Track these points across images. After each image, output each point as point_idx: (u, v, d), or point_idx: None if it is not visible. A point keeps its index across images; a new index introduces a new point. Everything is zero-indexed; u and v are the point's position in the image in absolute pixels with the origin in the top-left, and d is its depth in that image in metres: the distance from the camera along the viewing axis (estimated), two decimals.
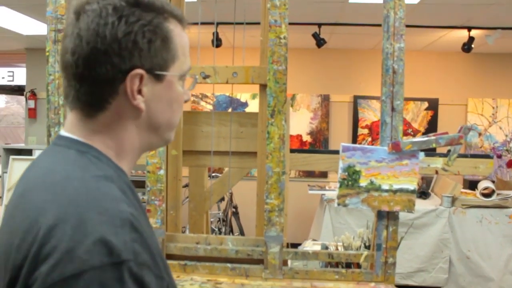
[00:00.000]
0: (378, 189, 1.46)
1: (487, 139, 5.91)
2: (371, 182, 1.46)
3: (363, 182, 1.46)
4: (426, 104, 5.91)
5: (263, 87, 1.54)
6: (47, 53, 1.58)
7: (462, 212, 4.24)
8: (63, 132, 0.80)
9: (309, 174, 5.88)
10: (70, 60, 0.73)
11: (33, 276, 0.62)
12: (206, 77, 1.56)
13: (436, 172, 1.67)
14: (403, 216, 3.99)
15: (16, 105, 14.52)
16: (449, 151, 1.62)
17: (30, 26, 4.97)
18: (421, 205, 4.37)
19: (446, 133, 1.50)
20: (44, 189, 0.71)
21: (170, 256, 1.59)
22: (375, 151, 1.47)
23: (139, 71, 0.74)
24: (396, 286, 3.70)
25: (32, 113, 6.36)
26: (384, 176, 1.46)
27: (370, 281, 1.53)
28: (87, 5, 0.73)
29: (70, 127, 0.79)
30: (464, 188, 5.02)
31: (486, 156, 1.68)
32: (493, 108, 5.93)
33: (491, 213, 4.22)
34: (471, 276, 4.21)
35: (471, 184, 4.94)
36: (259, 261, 1.56)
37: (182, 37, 0.81)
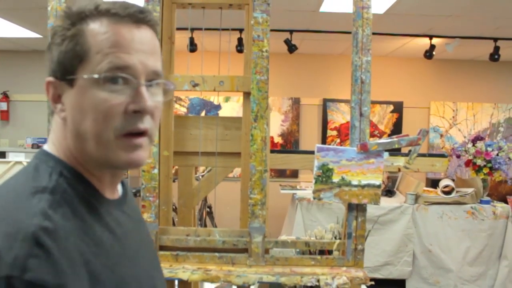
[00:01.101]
0: (349, 184, 1.67)
1: (448, 140, 6.25)
2: (342, 178, 1.67)
3: (335, 179, 1.67)
4: (391, 107, 6.21)
5: (247, 94, 1.73)
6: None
7: (425, 208, 4.49)
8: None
9: (281, 174, 6.09)
10: None
11: None
12: (195, 85, 1.73)
13: (399, 170, 1.88)
14: (370, 213, 4.24)
15: None
16: (410, 151, 1.84)
17: (3, 28, 4.99)
18: (386, 202, 4.61)
19: (407, 135, 1.72)
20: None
21: (163, 248, 1.75)
22: (346, 151, 1.68)
23: (49, 78, 0.76)
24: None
25: (4, 116, 6.33)
26: (353, 173, 1.67)
27: (342, 265, 1.73)
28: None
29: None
30: (426, 186, 5.32)
31: (442, 156, 1.91)
32: (454, 111, 6.28)
33: (450, 209, 4.49)
34: (433, 268, 4.46)
35: (433, 183, 5.25)
36: (244, 250, 1.73)
37: (105, 34, 0.74)
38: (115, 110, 0.73)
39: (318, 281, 1.62)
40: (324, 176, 1.66)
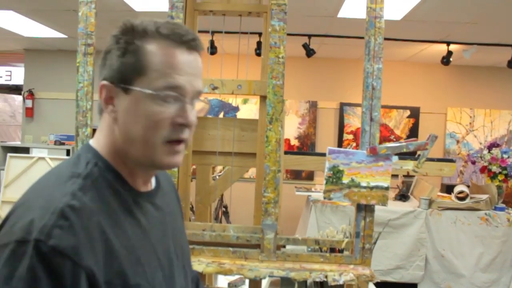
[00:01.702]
0: (358, 185, 1.75)
1: (465, 146, 6.26)
2: (352, 180, 1.75)
3: (345, 180, 1.75)
4: (408, 112, 6.24)
5: (263, 98, 1.82)
6: (77, 64, 1.83)
7: (438, 213, 4.53)
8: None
9: (296, 176, 6.17)
10: None
11: None
12: (214, 88, 1.83)
13: (408, 173, 1.96)
14: (384, 217, 4.31)
15: (2, 103, 14.54)
16: (419, 155, 1.91)
17: (31, 28, 5.16)
18: (400, 206, 4.66)
19: (416, 139, 1.79)
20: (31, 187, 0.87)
21: None
22: (356, 154, 1.76)
23: (104, 82, 0.88)
24: (376, 282, 3.99)
25: (29, 112, 6.53)
26: (363, 175, 1.75)
27: (350, 263, 1.81)
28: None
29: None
30: (442, 192, 5.35)
31: (450, 160, 1.98)
32: (471, 117, 6.29)
33: (464, 215, 4.51)
34: (445, 273, 4.49)
35: (448, 188, 5.27)
36: (257, 246, 1.83)
37: (164, 56, 0.86)
38: (164, 121, 0.86)
39: (326, 277, 1.70)
40: (335, 177, 1.74)
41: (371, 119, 1.76)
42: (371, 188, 1.75)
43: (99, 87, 0.88)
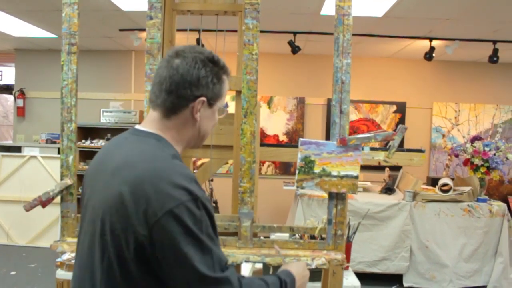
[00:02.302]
0: (329, 175, 1.85)
1: (450, 140, 6.38)
2: (323, 169, 1.84)
3: (317, 169, 1.84)
4: (394, 107, 6.35)
5: (238, 93, 1.91)
6: (62, 63, 1.92)
7: (422, 206, 4.63)
8: (140, 127, 1.29)
9: (285, 171, 6.27)
10: (166, 81, 1.23)
11: (149, 211, 1.08)
12: None
13: (379, 163, 2.06)
14: (365, 208, 4.42)
15: None
16: (389, 146, 2.00)
17: (21, 29, 5.23)
18: (386, 199, 4.77)
19: (384, 130, 1.89)
20: (142, 163, 1.15)
21: None
22: (327, 145, 1.85)
23: (203, 98, 1.25)
24: (362, 273, 4.09)
25: (20, 112, 6.59)
26: (333, 165, 1.85)
27: (323, 249, 1.91)
28: (184, 53, 1.25)
29: (147, 123, 1.28)
30: (427, 185, 5.46)
31: (419, 151, 2.08)
32: (456, 111, 6.41)
33: (447, 207, 4.62)
34: (429, 264, 4.60)
35: (433, 181, 5.39)
36: (234, 234, 1.92)
37: (227, 85, 1.33)
38: None
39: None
40: (307, 167, 1.84)
41: (341, 112, 1.86)
42: (342, 177, 1.85)
43: (200, 101, 1.24)
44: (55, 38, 5.61)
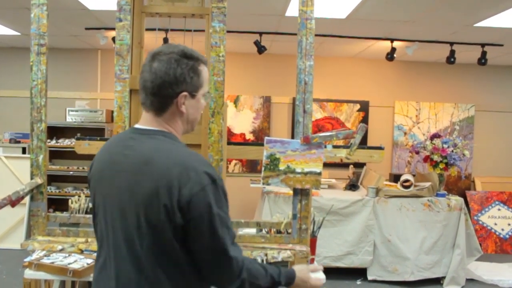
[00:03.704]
0: (293, 171, 1.94)
1: (411, 138, 6.60)
2: (288, 167, 1.93)
3: (281, 167, 1.93)
4: (358, 106, 6.53)
5: None
6: (31, 63, 1.94)
7: (385, 201, 4.79)
8: (142, 126, 1.41)
9: (252, 169, 6.36)
10: (149, 86, 1.35)
11: (180, 196, 1.24)
12: None
13: (341, 160, 2.16)
14: (328, 205, 4.54)
15: None
16: (350, 144, 2.11)
17: None
18: (350, 195, 4.91)
19: (345, 129, 2.00)
20: (164, 157, 1.31)
21: None
22: (291, 143, 1.95)
23: (185, 93, 1.37)
24: (327, 268, 4.21)
25: None
26: (297, 162, 1.94)
27: (288, 242, 2.00)
28: (159, 55, 1.36)
29: (145, 122, 1.42)
30: (390, 181, 5.64)
31: (379, 148, 2.19)
32: (417, 110, 6.63)
33: (409, 202, 4.78)
34: (391, 257, 4.74)
35: (396, 178, 5.57)
36: None
37: (206, 73, 1.44)
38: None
39: (266, 255, 1.88)
40: (272, 164, 1.92)
41: (304, 111, 1.95)
42: (305, 173, 1.94)
43: (181, 97, 1.37)
44: (18, 36, 5.53)
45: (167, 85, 1.35)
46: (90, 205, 1.48)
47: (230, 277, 1.33)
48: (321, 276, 1.63)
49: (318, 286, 1.62)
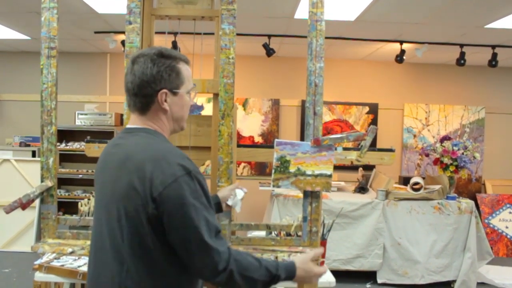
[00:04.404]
0: (303, 174, 1.93)
1: (421, 140, 6.56)
2: (298, 169, 1.92)
3: (292, 169, 1.92)
4: (367, 109, 6.50)
5: (215, 95, 1.98)
6: (41, 66, 1.95)
7: (394, 204, 4.76)
8: (129, 125, 1.48)
9: (261, 172, 6.35)
10: (130, 87, 1.42)
11: (153, 187, 1.28)
12: None
13: (352, 163, 2.14)
14: (338, 207, 4.52)
15: None
16: (361, 146, 2.09)
17: None
18: (359, 198, 4.88)
19: (356, 131, 1.98)
20: (141, 151, 1.36)
21: None
22: (301, 145, 1.93)
23: (165, 90, 1.41)
24: (337, 271, 4.18)
25: None
26: (308, 164, 1.93)
27: (299, 245, 1.99)
28: (137, 58, 1.42)
29: (133, 122, 1.48)
30: (400, 184, 5.62)
31: (389, 150, 2.17)
32: (426, 112, 6.59)
33: (419, 205, 4.76)
34: (401, 260, 4.72)
35: (405, 180, 5.54)
36: None
37: (187, 70, 1.48)
38: (189, 105, 1.53)
39: (276, 257, 1.87)
40: (282, 166, 1.91)
41: (315, 113, 1.94)
42: (316, 176, 1.93)
43: (161, 94, 1.41)
44: (29, 40, 5.57)
45: (146, 84, 1.40)
46: None
47: (213, 268, 1.31)
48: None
49: (322, 273, 1.56)
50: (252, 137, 6.37)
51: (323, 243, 2.86)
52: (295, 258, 1.52)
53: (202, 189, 1.34)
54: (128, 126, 1.49)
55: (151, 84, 1.40)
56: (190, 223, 1.28)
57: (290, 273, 1.46)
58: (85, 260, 2.60)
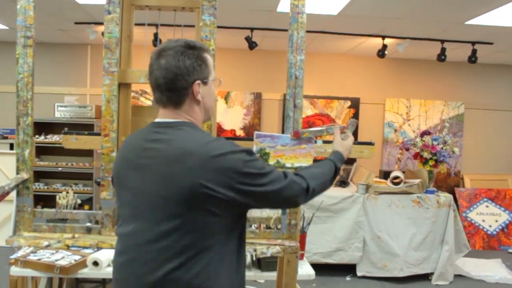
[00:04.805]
0: (283, 166, 1.92)
1: (402, 135, 6.62)
2: (278, 161, 1.92)
3: (271, 161, 1.92)
4: (348, 103, 6.53)
5: None
6: (17, 56, 1.91)
7: (374, 198, 4.80)
8: (164, 119, 1.45)
9: None
10: (163, 82, 1.40)
11: (231, 180, 1.32)
12: None
13: None
14: (324, 202, 4.55)
15: None
16: (341, 139, 2.09)
17: None
18: (340, 192, 4.91)
19: (335, 124, 1.99)
20: (199, 147, 1.34)
21: None
22: (281, 138, 1.93)
23: (198, 81, 1.43)
24: (317, 264, 4.19)
25: None
26: (287, 157, 1.92)
27: (278, 238, 1.99)
28: (163, 51, 1.41)
29: (167, 116, 1.45)
30: (380, 178, 5.66)
31: (369, 143, 2.18)
32: (407, 107, 6.66)
33: (398, 199, 4.81)
34: (381, 253, 4.77)
35: (386, 174, 5.59)
36: None
37: (210, 60, 1.50)
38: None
39: (255, 250, 1.87)
40: (262, 159, 1.91)
41: (295, 106, 1.94)
42: (295, 168, 1.93)
43: (196, 85, 1.42)
44: (6, 30, 5.45)
45: (180, 77, 1.40)
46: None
47: (297, 197, 1.48)
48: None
49: (352, 139, 1.89)
50: (234, 130, 6.36)
51: (303, 236, 2.87)
52: (335, 145, 1.82)
53: (255, 160, 1.40)
54: (162, 120, 1.45)
55: (185, 76, 1.40)
56: (259, 186, 1.37)
57: (341, 159, 1.76)
58: (62, 253, 2.57)
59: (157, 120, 1.47)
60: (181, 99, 1.43)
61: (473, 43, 5.29)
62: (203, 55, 1.45)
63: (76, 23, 5.01)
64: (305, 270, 2.63)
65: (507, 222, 6.34)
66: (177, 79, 1.39)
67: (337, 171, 1.69)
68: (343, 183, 5.35)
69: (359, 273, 4.80)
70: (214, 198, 1.31)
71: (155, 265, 1.32)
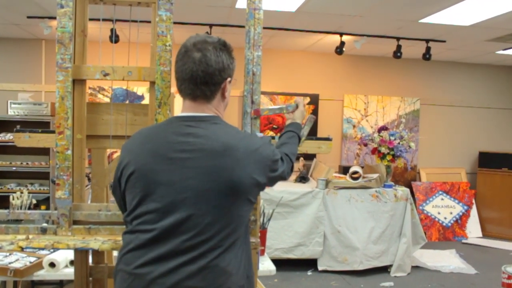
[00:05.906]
0: None
1: (360, 131, 6.74)
2: None
3: None
4: (308, 99, 6.60)
5: (152, 83, 1.94)
6: None
7: (334, 193, 4.88)
8: (192, 113, 1.49)
9: None
10: (201, 75, 1.44)
11: (269, 172, 1.50)
12: (106, 74, 1.91)
13: None
14: (284, 198, 4.58)
15: None
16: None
17: None
18: (300, 187, 4.97)
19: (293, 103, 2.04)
20: (240, 141, 1.43)
21: (76, 222, 1.92)
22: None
23: (229, 78, 1.51)
24: (279, 260, 4.21)
25: None
26: None
27: None
28: (199, 45, 1.46)
29: (196, 110, 1.50)
30: (339, 173, 5.75)
31: (327, 139, 2.21)
32: (365, 103, 6.78)
33: (357, 193, 4.91)
34: (341, 247, 4.85)
35: (345, 169, 5.69)
36: (108, 223, 1.93)
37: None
38: None
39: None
40: None
41: (252, 102, 1.94)
42: None
43: (227, 82, 1.50)
44: None
45: (217, 73, 1.45)
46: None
47: (288, 175, 1.73)
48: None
49: (301, 103, 2.06)
50: None
51: (263, 232, 2.89)
52: (295, 115, 2.02)
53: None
54: (191, 114, 1.49)
55: (221, 72, 1.46)
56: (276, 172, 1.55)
57: (298, 127, 1.95)
58: (17, 256, 2.49)
59: (184, 114, 1.50)
60: (214, 94, 1.48)
61: (427, 40, 5.44)
62: (232, 53, 1.53)
63: (28, 17, 4.85)
64: (266, 265, 2.64)
65: (460, 214, 6.58)
66: (215, 74, 1.45)
67: (299, 141, 1.95)
68: (303, 179, 5.41)
69: (320, 268, 4.87)
70: (257, 187, 1.44)
71: (197, 254, 1.35)
